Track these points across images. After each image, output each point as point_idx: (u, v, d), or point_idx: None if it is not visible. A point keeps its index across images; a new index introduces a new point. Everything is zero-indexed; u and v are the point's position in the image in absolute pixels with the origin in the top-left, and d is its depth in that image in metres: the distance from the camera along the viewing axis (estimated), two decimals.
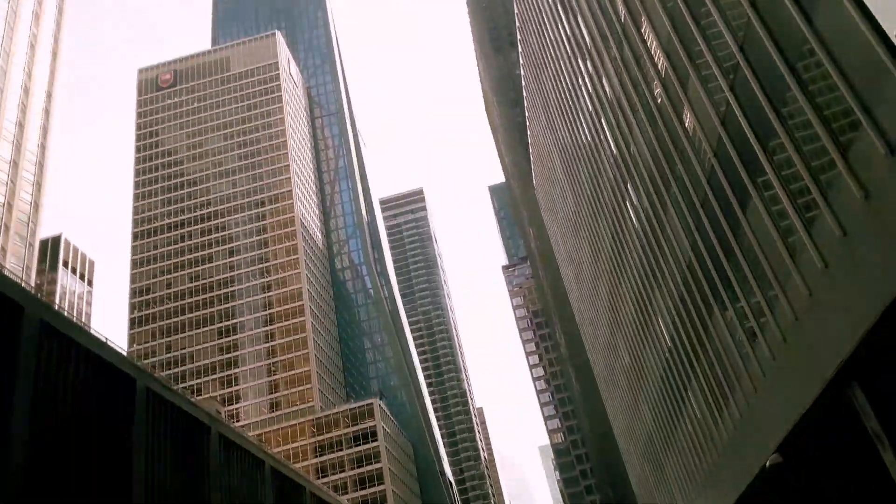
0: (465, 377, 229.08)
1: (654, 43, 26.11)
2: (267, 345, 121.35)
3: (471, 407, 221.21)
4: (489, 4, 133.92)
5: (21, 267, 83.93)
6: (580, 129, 44.66)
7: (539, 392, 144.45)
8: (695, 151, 24.52)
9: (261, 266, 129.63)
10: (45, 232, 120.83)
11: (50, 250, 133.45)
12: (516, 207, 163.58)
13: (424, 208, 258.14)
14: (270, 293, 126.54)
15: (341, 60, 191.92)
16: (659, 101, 27.33)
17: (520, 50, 65.70)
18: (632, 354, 46.82)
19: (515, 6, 60.13)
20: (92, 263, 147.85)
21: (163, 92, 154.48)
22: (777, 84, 17.21)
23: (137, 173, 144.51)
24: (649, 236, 33.87)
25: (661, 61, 25.98)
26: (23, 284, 26.19)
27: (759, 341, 22.33)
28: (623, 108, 32.83)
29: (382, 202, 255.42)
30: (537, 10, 49.49)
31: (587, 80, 38.95)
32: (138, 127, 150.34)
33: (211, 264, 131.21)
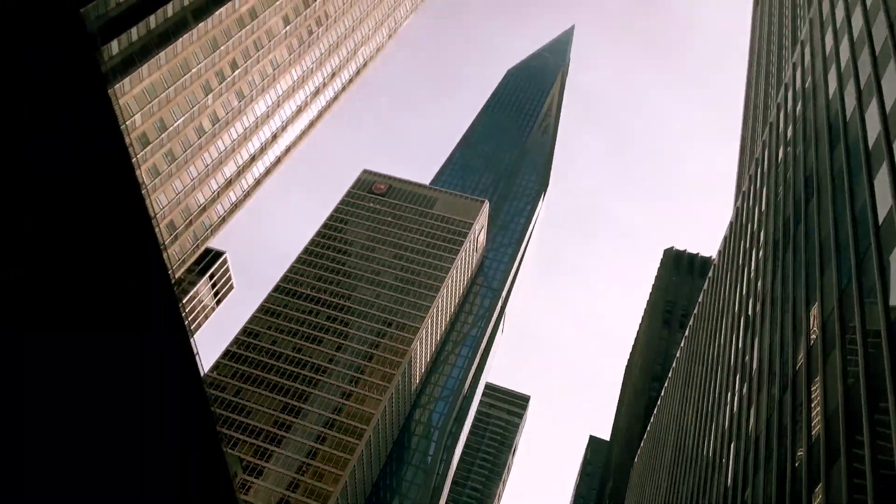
0: None
1: (819, 406, 24.80)
2: (313, 444, 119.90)
3: None
4: (678, 282, 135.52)
5: (178, 259, 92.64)
6: (706, 441, 42.18)
7: None
8: None
9: (353, 374, 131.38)
10: (214, 243, 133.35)
11: (208, 260, 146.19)
12: (606, 472, 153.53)
13: (521, 417, 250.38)
14: (345, 401, 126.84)
15: (524, 251, 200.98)
16: (797, 463, 25.43)
17: (686, 334, 64.89)
18: None
19: (701, 296, 60.32)
20: (231, 288, 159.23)
21: (371, 195, 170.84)
22: None
23: (311, 243, 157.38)
24: None
25: (817, 426, 24.47)
26: (169, 273, 28.92)
27: None
28: (758, 448, 30.83)
29: (488, 386, 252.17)
30: (718, 312, 49.28)
31: (735, 400, 37.32)
32: (335, 210, 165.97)
33: (316, 346, 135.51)
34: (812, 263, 30.30)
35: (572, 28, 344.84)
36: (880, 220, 23.12)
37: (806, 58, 39.89)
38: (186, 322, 31.16)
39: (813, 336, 27.85)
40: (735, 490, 32.45)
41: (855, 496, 19.87)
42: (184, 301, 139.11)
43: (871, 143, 25.74)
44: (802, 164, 35.41)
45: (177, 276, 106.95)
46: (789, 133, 40.25)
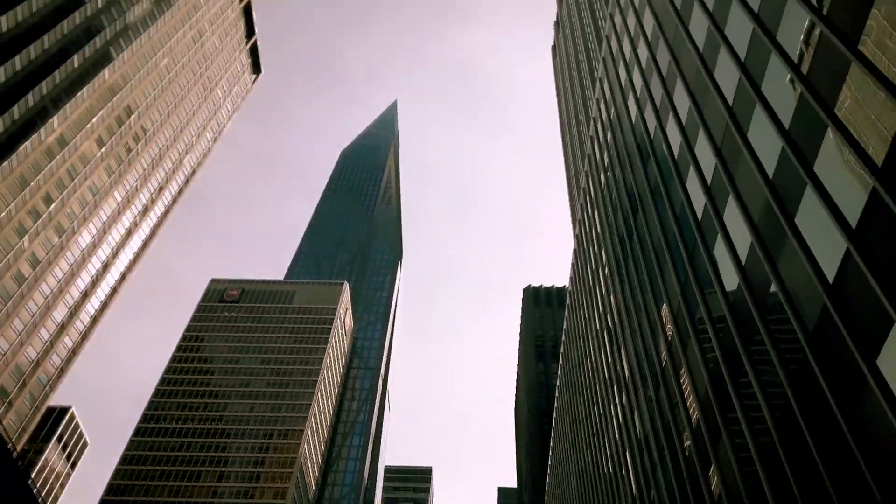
0: None
1: (691, 394, 26.76)
2: None
3: None
4: (541, 315, 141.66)
5: (17, 428, 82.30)
6: (603, 457, 43.69)
7: None
8: None
9: (241, 501, 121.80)
10: (56, 399, 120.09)
11: (53, 419, 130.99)
12: None
13: (427, 490, 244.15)
14: None
15: (394, 323, 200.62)
16: (687, 452, 27.07)
17: (560, 363, 67.61)
18: None
19: (564, 322, 63.50)
20: (85, 445, 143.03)
21: (224, 304, 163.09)
22: (810, 468, 17.10)
23: (167, 370, 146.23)
24: None
25: (695, 413, 26.33)
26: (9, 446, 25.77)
27: None
28: (650, 448, 32.45)
29: (388, 469, 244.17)
30: (583, 334, 52.07)
31: (619, 410, 39.25)
32: (188, 328, 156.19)
33: (194, 483, 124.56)
34: (652, 269, 33.16)
35: (395, 103, 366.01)
36: (699, 216, 25.99)
37: (606, 92, 44.63)
38: (39, 500, 27.50)
39: (669, 333, 30.25)
40: (641, 495, 33.76)
41: (745, 468, 21.46)
42: (32, 476, 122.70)
43: (676, 153, 29.08)
44: (623, 184, 39.09)
45: (19, 450, 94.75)
46: (606, 160, 44.41)
